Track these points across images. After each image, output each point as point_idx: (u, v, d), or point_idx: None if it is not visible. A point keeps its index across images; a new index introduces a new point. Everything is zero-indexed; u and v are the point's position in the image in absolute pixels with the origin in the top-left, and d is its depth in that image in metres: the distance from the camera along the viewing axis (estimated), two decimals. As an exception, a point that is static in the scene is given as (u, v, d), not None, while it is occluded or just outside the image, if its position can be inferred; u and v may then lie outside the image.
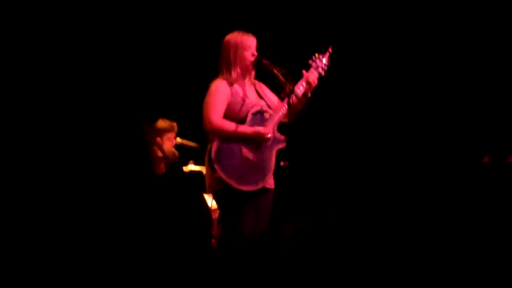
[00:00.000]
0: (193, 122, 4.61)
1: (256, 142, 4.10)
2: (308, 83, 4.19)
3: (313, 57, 4.30)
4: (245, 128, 4.10)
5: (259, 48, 4.24)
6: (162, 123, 5.84)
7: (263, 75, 4.32)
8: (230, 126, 4.08)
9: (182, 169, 5.72)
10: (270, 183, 4.18)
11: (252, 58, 4.17)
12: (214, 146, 4.05)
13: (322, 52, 4.33)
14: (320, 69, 4.28)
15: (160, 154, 5.45)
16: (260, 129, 4.11)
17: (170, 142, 5.85)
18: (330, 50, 4.34)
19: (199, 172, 5.76)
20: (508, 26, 5.95)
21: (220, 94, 4.13)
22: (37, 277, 2.61)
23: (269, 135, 4.11)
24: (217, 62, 4.28)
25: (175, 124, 5.90)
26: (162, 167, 5.49)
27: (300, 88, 4.18)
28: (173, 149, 6.01)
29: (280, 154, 4.20)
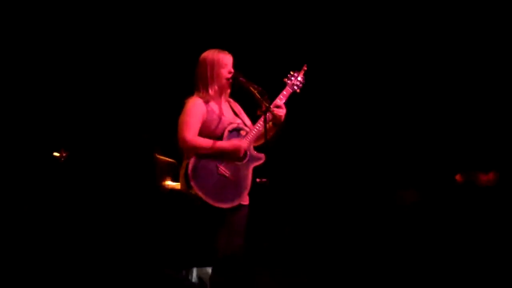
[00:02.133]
0: (169, 138, 4.62)
1: (233, 157, 4.12)
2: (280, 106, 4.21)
3: (288, 75, 4.34)
4: (221, 143, 4.12)
5: (235, 65, 4.26)
6: None
7: (238, 94, 4.35)
8: (206, 142, 4.09)
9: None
10: (245, 199, 4.20)
11: (228, 76, 4.20)
12: (191, 163, 4.07)
13: (297, 70, 4.37)
14: (295, 87, 4.32)
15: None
16: (236, 142, 4.13)
17: None
18: (305, 68, 4.38)
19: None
20: (474, 42, 6.05)
21: (195, 112, 4.14)
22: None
23: (246, 146, 4.14)
24: (193, 79, 4.30)
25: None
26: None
27: (278, 100, 4.21)
28: None
29: (256, 171, 4.23)
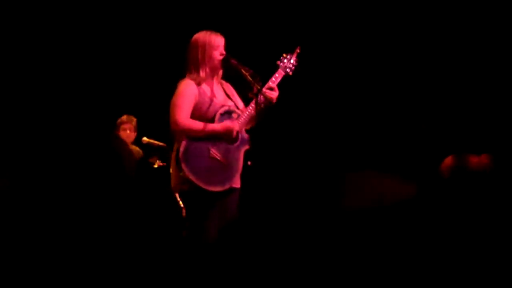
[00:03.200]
0: (160, 122, 4.59)
1: (226, 139, 4.09)
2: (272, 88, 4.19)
3: (281, 57, 4.31)
4: (213, 126, 4.09)
5: (226, 47, 4.23)
6: (120, 118, 5.89)
7: (231, 75, 4.31)
8: (198, 125, 4.07)
9: (151, 166, 5.73)
10: (236, 182, 4.18)
11: (220, 58, 4.16)
12: (182, 145, 4.03)
13: (290, 52, 4.33)
14: (288, 70, 4.29)
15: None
16: (228, 123, 4.10)
17: (125, 133, 5.85)
18: (298, 50, 4.35)
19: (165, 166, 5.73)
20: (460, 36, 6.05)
21: (187, 94, 4.11)
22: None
23: (237, 128, 4.12)
24: (184, 61, 4.26)
25: (132, 117, 5.92)
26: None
27: (271, 82, 4.18)
28: (137, 148, 5.99)
29: (247, 154, 4.21)
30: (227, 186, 4.10)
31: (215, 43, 4.16)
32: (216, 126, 4.10)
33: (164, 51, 6.06)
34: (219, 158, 4.08)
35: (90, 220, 2.63)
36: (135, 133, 5.89)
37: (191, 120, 4.08)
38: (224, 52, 4.17)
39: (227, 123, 4.11)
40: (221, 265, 3.62)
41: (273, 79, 4.23)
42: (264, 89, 4.12)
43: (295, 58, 4.32)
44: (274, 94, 4.17)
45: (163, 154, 5.58)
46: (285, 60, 4.29)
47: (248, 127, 4.25)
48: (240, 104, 4.29)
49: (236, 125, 4.12)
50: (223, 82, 4.32)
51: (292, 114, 6.23)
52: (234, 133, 4.11)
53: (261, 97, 4.09)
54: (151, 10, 6.23)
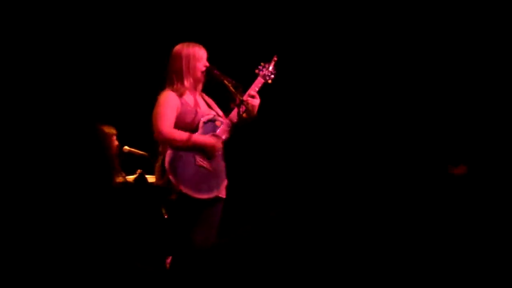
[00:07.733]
0: (141, 131, 4.61)
1: (208, 151, 4.14)
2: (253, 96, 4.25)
3: (259, 66, 4.37)
4: (197, 138, 4.14)
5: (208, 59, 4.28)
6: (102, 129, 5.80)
7: (211, 87, 4.37)
8: (182, 135, 4.11)
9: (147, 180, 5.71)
10: (222, 192, 4.23)
11: (204, 69, 4.22)
12: (168, 155, 4.07)
13: (268, 61, 4.39)
14: (267, 78, 4.34)
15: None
16: (213, 140, 4.15)
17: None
18: (276, 58, 4.41)
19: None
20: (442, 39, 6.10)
21: (169, 105, 4.15)
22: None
23: (220, 147, 4.17)
24: (163, 72, 4.30)
25: (113, 130, 5.85)
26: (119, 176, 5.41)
27: (252, 91, 4.24)
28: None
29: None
30: (214, 194, 4.15)
31: (199, 55, 4.22)
32: (200, 138, 4.14)
33: (141, 61, 6.04)
34: (205, 166, 4.13)
35: (73, 217, 2.64)
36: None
37: (175, 130, 4.12)
38: (207, 64, 4.24)
39: (212, 139, 4.16)
40: (209, 273, 3.67)
41: (254, 87, 4.28)
42: (245, 98, 4.18)
43: (273, 66, 4.37)
44: (256, 102, 4.24)
45: (145, 163, 5.59)
46: (264, 69, 4.35)
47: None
48: (221, 114, 4.35)
49: (220, 143, 4.17)
50: (203, 94, 4.37)
51: (276, 121, 6.24)
52: (217, 150, 4.16)
53: (243, 107, 4.16)
54: (129, 21, 6.21)
